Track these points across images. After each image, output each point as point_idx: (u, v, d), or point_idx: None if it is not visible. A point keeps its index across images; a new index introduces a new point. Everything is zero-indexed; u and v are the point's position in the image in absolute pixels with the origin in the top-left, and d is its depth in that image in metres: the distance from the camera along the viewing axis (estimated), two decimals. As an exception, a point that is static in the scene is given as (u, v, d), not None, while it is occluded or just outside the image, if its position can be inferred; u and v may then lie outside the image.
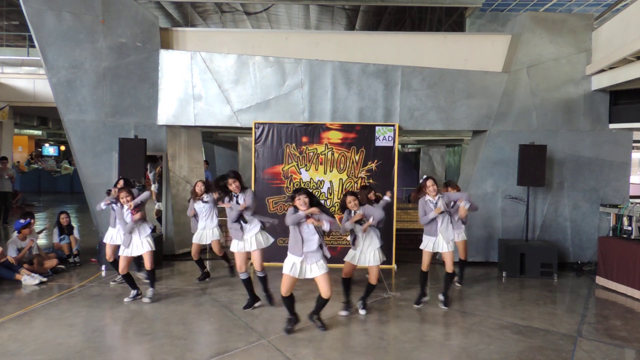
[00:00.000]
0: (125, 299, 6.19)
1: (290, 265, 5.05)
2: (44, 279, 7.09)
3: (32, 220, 7.79)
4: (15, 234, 7.54)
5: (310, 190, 5.39)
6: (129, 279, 6.25)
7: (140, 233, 6.15)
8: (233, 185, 5.86)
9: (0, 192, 11.92)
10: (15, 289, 6.76)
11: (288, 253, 5.14)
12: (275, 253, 8.23)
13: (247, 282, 6.00)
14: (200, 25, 18.18)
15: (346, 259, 5.88)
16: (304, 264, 5.06)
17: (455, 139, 18.00)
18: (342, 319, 5.77)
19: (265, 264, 8.12)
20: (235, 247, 5.95)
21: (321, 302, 5.24)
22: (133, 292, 6.24)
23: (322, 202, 8.23)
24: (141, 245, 6.14)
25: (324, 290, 5.11)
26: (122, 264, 6.13)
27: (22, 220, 7.63)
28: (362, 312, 5.90)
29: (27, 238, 7.55)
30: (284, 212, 8.25)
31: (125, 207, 6.14)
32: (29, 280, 6.95)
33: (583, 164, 8.57)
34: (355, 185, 8.36)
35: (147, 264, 6.21)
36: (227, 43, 8.95)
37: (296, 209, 5.04)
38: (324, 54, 8.74)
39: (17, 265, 7.12)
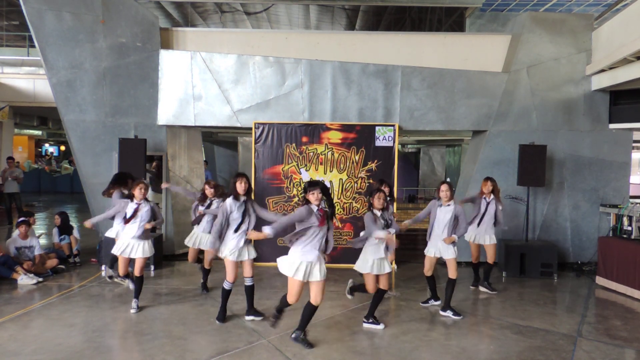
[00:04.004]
0: (132, 310, 5.87)
1: (295, 268, 4.64)
2: (41, 279, 7.09)
3: (31, 219, 7.78)
4: (16, 232, 7.54)
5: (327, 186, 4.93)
6: (130, 278, 6.20)
7: (138, 235, 5.82)
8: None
9: (6, 193, 11.87)
10: (14, 289, 6.75)
11: (295, 253, 4.68)
12: (274, 253, 8.23)
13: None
14: (200, 25, 18.18)
15: None
16: (313, 266, 4.67)
17: (455, 139, 18.00)
18: (341, 319, 5.77)
19: (265, 264, 8.17)
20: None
21: (310, 311, 4.83)
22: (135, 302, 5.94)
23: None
24: (138, 248, 5.82)
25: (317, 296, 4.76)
26: (121, 266, 5.96)
27: (18, 220, 7.66)
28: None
29: (29, 237, 7.55)
30: (284, 212, 8.26)
31: (135, 201, 5.84)
32: (25, 280, 6.94)
33: (583, 164, 8.57)
34: (355, 185, 8.36)
35: (137, 270, 5.83)
36: (227, 43, 8.96)
37: (308, 203, 4.66)
38: (324, 54, 8.74)
39: (14, 262, 7.10)
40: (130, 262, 6.00)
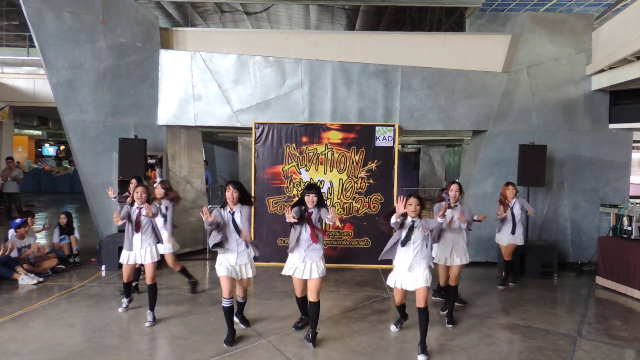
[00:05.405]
0: (119, 309, 5.82)
1: (290, 266, 4.98)
2: (41, 279, 7.09)
3: (30, 220, 7.77)
4: (12, 232, 7.53)
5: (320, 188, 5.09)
6: (127, 288, 5.82)
7: (143, 240, 5.55)
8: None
9: (6, 192, 11.86)
10: (14, 289, 6.75)
11: (289, 253, 5.03)
12: (274, 253, 8.26)
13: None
14: (200, 25, 18.19)
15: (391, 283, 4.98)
16: (305, 263, 4.91)
17: (455, 139, 18.01)
18: (342, 319, 5.76)
19: (265, 264, 8.17)
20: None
21: (312, 310, 4.92)
22: (125, 301, 5.85)
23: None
24: (144, 254, 5.55)
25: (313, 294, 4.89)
26: (125, 273, 5.67)
27: (17, 220, 7.64)
28: (420, 358, 4.68)
29: (26, 238, 7.54)
30: (284, 212, 8.26)
31: (136, 205, 5.53)
32: (26, 280, 6.95)
33: (583, 164, 8.58)
34: (355, 185, 8.36)
35: (148, 278, 5.54)
36: (227, 43, 8.96)
37: (303, 205, 4.89)
38: (324, 54, 8.74)
39: (14, 263, 7.11)
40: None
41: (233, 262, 4.94)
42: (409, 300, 5.17)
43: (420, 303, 4.72)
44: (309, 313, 5.04)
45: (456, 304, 6.14)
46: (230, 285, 4.87)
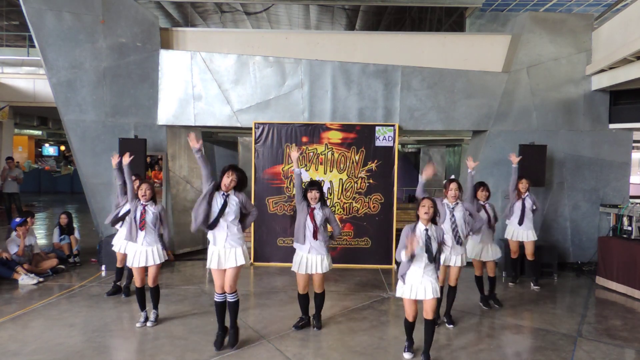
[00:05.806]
0: (137, 324, 5.40)
1: (299, 262, 5.20)
2: (41, 279, 7.09)
3: (30, 219, 7.77)
4: (14, 233, 7.54)
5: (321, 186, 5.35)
6: (140, 296, 5.43)
7: (146, 240, 5.31)
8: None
9: (6, 193, 11.86)
10: (14, 289, 6.75)
11: (295, 244, 5.24)
12: (274, 253, 8.26)
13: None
14: (200, 25, 18.19)
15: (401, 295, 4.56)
16: (311, 255, 5.14)
17: (455, 139, 17.99)
18: (342, 319, 5.76)
19: (266, 264, 8.18)
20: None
21: (317, 300, 5.41)
22: (142, 315, 5.45)
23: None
24: (150, 254, 5.32)
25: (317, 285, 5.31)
26: (137, 276, 5.39)
27: (17, 219, 7.65)
28: None
29: (27, 237, 7.54)
30: (284, 212, 8.27)
31: (141, 202, 5.32)
32: (26, 280, 6.95)
33: (583, 164, 8.58)
34: (355, 185, 8.35)
35: (150, 280, 5.38)
36: (227, 43, 8.96)
37: (307, 201, 5.16)
38: (324, 54, 8.74)
39: (14, 263, 7.10)
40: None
41: (222, 245, 4.65)
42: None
43: (428, 315, 4.47)
44: (314, 302, 5.36)
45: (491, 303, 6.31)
46: (221, 280, 4.69)
